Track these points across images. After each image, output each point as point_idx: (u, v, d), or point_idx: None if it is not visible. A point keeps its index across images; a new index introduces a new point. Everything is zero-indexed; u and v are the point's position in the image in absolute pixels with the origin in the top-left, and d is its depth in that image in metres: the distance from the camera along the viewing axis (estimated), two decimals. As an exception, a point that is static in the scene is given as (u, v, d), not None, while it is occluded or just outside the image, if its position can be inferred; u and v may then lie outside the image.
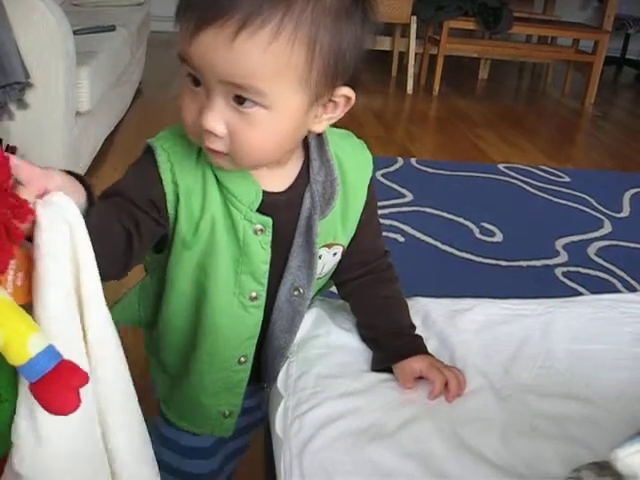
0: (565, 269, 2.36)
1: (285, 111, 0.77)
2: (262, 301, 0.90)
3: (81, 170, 2.50)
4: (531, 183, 3.17)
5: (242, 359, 0.93)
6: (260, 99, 0.74)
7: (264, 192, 0.86)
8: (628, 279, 2.32)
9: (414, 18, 4.57)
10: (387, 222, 2.50)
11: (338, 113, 0.83)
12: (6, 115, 2.04)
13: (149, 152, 0.86)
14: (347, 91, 0.81)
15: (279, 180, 0.88)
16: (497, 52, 5.11)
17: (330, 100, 0.81)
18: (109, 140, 2.97)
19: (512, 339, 1.05)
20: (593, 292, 1.85)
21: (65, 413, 0.69)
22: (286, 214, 0.89)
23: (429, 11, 4.59)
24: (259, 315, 0.91)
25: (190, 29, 0.73)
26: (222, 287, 0.88)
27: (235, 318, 0.90)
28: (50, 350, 0.70)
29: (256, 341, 0.93)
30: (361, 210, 0.96)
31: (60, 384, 0.68)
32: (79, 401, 0.69)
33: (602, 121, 4.59)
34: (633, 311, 1.15)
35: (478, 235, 2.59)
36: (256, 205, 0.85)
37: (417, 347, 0.97)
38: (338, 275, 1.01)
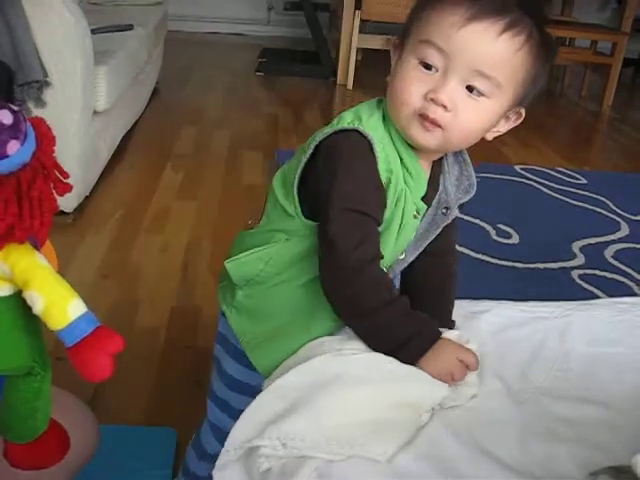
0: (582, 272, 2.33)
1: (498, 108, 0.92)
2: None
3: (98, 169, 2.52)
4: (548, 185, 3.15)
5: None
6: (489, 91, 0.89)
7: None
8: (645, 282, 2.30)
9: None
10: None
11: (505, 128, 0.98)
12: (24, 113, 2.04)
13: (361, 142, 0.91)
14: (522, 110, 0.96)
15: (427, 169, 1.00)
16: (514, 53, 5.08)
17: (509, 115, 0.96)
18: (126, 139, 2.99)
19: (529, 342, 1.04)
20: (609, 295, 1.84)
21: (99, 379, 0.70)
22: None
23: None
24: None
25: (463, 17, 0.85)
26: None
27: None
28: (88, 315, 0.72)
29: None
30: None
31: (97, 349, 0.70)
32: (113, 367, 0.70)
33: (620, 123, 4.56)
34: (651, 314, 1.14)
35: (494, 237, 2.57)
36: (423, 192, 0.98)
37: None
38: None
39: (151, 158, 2.96)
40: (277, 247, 0.98)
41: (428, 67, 0.89)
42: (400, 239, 1.00)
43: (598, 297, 2.01)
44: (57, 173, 0.72)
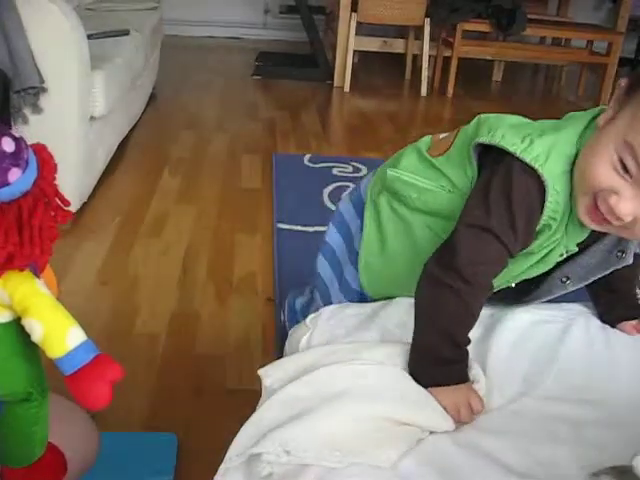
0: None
1: None
2: None
3: (95, 175, 2.51)
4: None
5: None
6: None
7: None
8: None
9: (427, 20, 4.56)
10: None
11: None
12: (21, 119, 2.04)
13: (534, 187, 0.91)
14: None
15: None
16: (511, 54, 5.09)
17: None
18: (123, 144, 2.99)
19: (532, 344, 1.04)
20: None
21: (97, 407, 0.70)
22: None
23: (442, 13, 4.58)
24: None
25: None
26: None
27: None
28: (87, 344, 0.71)
29: None
30: None
31: (95, 378, 0.69)
32: (111, 395, 0.70)
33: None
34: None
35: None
36: (582, 239, 0.98)
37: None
38: None
39: (149, 163, 2.96)
40: (437, 192, 1.04)
41: (624, 168, 0.85)
42: (531, 270, 1.03)
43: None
44: (58, 200, 0.71)
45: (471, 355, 0.96)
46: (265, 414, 0.83)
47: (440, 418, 0.88)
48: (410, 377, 0.92)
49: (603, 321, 1.11)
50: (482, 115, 1.04)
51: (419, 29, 4.68)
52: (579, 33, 5.07)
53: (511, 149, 0.91)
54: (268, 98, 4.32)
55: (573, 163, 0.92)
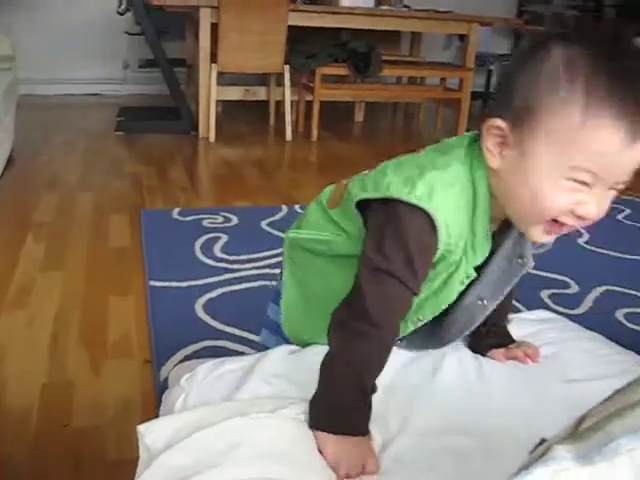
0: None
1: None
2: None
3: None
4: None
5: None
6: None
7: None
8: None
9: (287, 67, 4.64)
10: (275, 271, 2.49)
11: None
12: None
13: (426, 226, 0.92)
14: None
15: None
16: (370, 95, 5.25)
17: None
18: (-19, 212, 2.85)
19: (406, 382, 1.05)
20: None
21: None
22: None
23: (301, 60, 4.68)
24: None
25: (631, 132, 0.81)
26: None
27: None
28: None
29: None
30: None
31: None
32: None
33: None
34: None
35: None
36: (480, 262, 1.01)
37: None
38: None
39: (10, 230, 2.83)
40: (338, 241, 1.07)
41: (582, 182, 0.86)
42: (438, 300, 1.04)
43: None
44: None
45: None
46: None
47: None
48: (299, 433, 0.91)
49: (474, 350, 1.15)
50: (365, 172, 1.07)
51: (280, 75, 4.76)
52: (433, 71, 5.31)
53: (396, 196, 0.92)
54: (133, 154, 4.26)
55: (472, 188, 0.94)
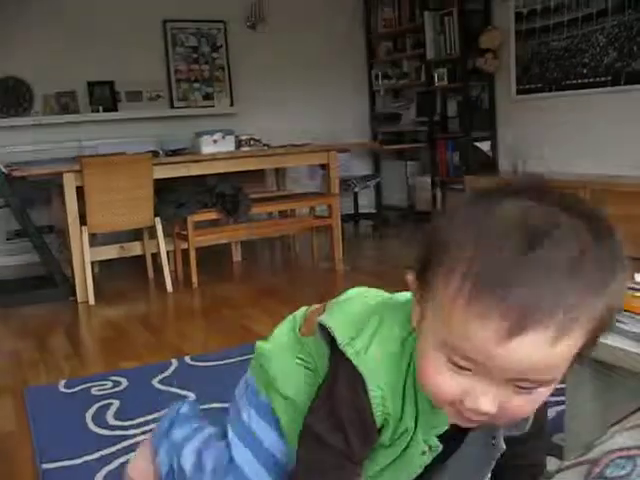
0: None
1: (555, 383, 0.78)
2: None
3: None
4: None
5: None
6: (547, 384, 0.76)
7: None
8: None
9: (158, 219, 4.68)
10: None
11: None
12: None
13: (356, 380, 0.88)
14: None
15: None
16: (244, 234, 5.34)
17: None
18: None
19: None
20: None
21: None
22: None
23: (171, 210, 4.74)
24: None
25: (503, 328, 0.70)
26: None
27: None
28: None
29: None
30: None
31: None
32: None
33: (353, 273, 4.90)
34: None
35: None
36: (442, 430, 0.92)
37: None
38: None
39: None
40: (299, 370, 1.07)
41: (460, 366, 0.76)
42: (396, 471, 0.98)
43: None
44: None
45: None
46: None
47: None
48: None
49: None
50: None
51: (152, 228, 4.79)
52: (300, 202, 5.48)
53: (340, 342, 0.92)
54: (9, 329, 4.11)
55: (404, 342, 0.89)
